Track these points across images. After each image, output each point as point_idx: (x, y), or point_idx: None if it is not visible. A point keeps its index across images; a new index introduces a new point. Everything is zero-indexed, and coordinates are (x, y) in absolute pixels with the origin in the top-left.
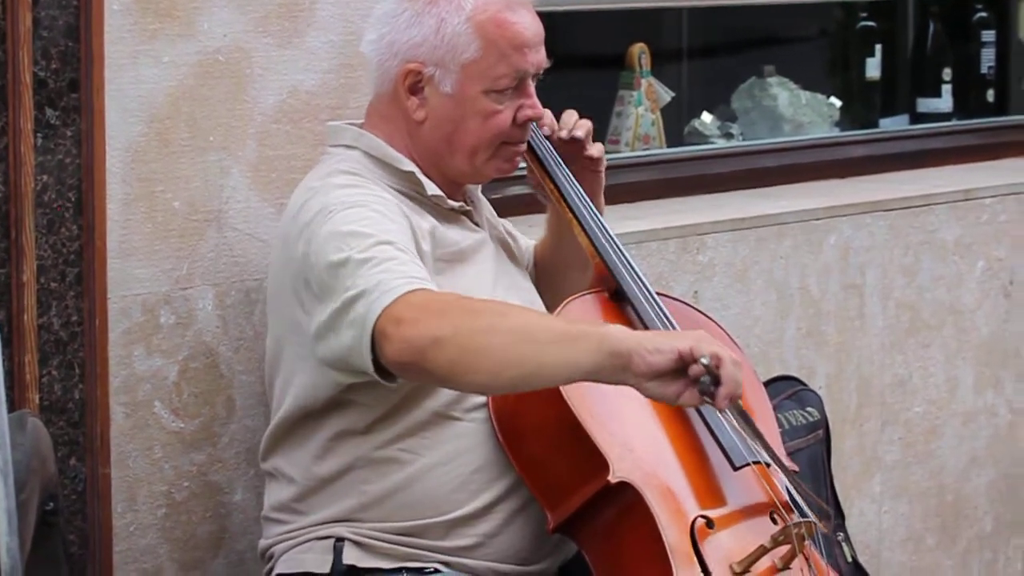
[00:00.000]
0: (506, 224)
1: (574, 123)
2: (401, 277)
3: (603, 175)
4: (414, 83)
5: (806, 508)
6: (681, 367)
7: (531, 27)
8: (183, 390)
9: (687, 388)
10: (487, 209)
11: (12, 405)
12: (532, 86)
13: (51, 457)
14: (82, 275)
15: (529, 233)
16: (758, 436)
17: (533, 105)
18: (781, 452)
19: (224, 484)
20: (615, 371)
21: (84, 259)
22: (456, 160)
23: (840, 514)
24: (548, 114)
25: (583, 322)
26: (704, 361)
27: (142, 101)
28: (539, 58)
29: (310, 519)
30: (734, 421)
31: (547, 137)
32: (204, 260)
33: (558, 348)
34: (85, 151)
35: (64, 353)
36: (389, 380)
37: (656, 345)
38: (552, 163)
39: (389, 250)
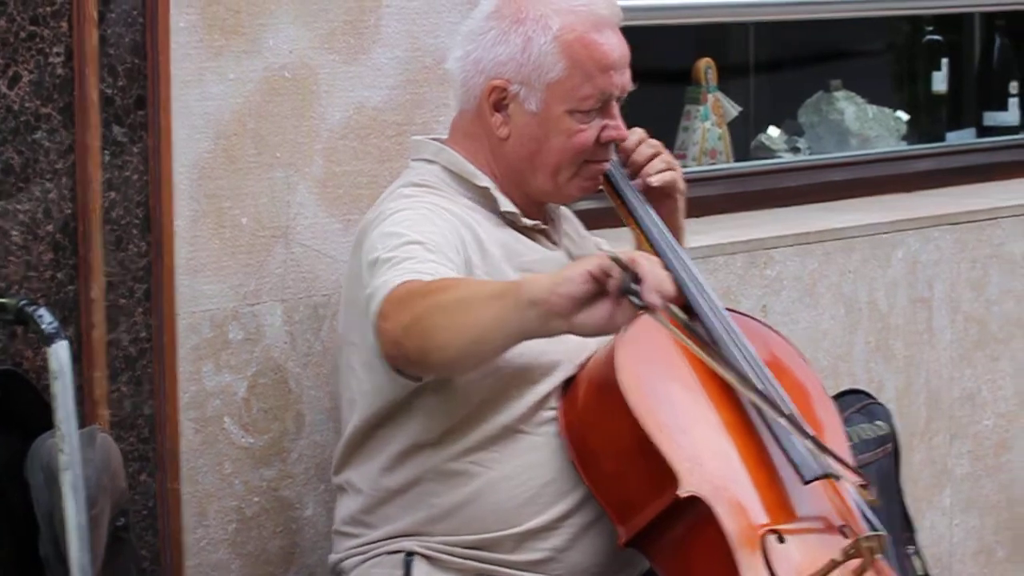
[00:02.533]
0: (599, 242)
1: (656, 170)
2: (401, 274)
3: (678, 199)
4: (499, 100)
5: (877, 523)
6: (598, 288)
7: (617, 49)
8: (252, 406)
9: (615, 306)
10: (571, 226)
11: (82, 421)
12: (616, 107)
13: (121, 473)
14: (150, 291)
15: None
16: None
17: (617, 126)
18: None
19: (294, 499)
20: (541, 320)
21: (152, 275)
22: (538, 178)
23: (911, 527)
24: (639, 131)
25: (656, 347)
26: (616, 270)
27: (208, 118)
28: (624, 80)
29: (379, 532)
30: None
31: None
32: (272, 276)
33: (489, 310)
34: (152, 168)
35: (133, 369)
36: (411, 378)
37: (565, 276)
38: (619, 181)
39: (414, 249)
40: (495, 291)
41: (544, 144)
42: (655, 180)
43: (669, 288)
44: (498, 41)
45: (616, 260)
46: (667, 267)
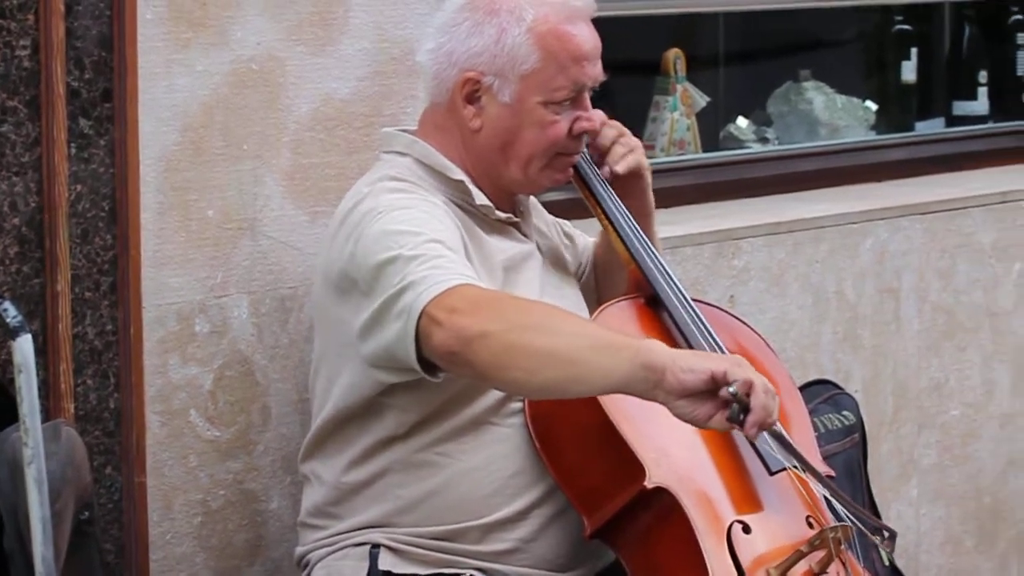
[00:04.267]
0: (563, 224)
1: (620, 156)
2: (452, 273)
3: (645, 176)
4: (472, 92)
5: (842, 512)
6: (712, 388)
7: (590, 40)
8: (218, 398)
9: (717, 411)
10: (538, 218)
11: (47, 415)
12: (588, 98)
13: (86, 466)
14: (116, 284)
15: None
16: (796, 456)
17: (589, 117)
18: (817, 459)
19: (260, 492)
20: (647, 385)
21: (118, 268)
22: (510, 169)
23: (877, 517)
24: (599, 114)
25: (625, 333)
26: (731, 389)
27: (176, 110)
28: (596, 71)
29: (346, 524)
30: (769, 440)
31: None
32: (239, 269)
33: (596, 355)
34: (119, 161)
35: (99, 362)
36: (431, 374)
37: (690, 364)
38: (588, 171)
39: (438, 248)
40: (607, 338)
41: (517, 135)
42: (620, 167)
43: (772, 422)
44: (471, 33)
45: (735, 395)
46: (635, 260)
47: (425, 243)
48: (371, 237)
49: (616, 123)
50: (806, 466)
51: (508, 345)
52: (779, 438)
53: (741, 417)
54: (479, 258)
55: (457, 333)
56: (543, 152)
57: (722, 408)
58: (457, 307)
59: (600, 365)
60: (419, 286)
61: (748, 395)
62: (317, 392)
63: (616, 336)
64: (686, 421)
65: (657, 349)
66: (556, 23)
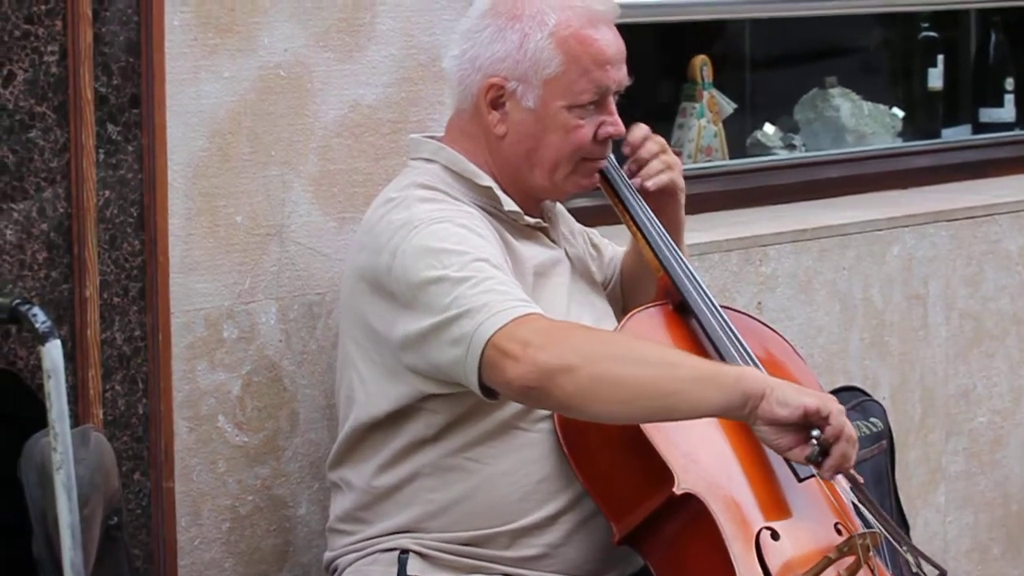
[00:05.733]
0: (591, 234)
1: (654, 172)
2: (510, 298)
3: (679, 196)
4: (496, 98)
5: (871, 519)
6: (802, 423)
7: (613, 44)
8: (246, 404)
9: (797, 445)
10: (565, 225)
11: (76, 420)
12: (613, 103)
13: (115, 472)
14: (145, 290)
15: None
16: (867, 501)
17: (615, 122)
18: None
19: (288, 498)
20: (741, 412)
21: (147, 274)
22: (536, 175)
23: (905, 525)
24: (643, 127)
25: (654, 340)
26: (816, 434)
27: (203, 116)
28: (620, 75)
29: (375, 529)
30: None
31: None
32: (266, 274)
33: (695, 385)
34: (147, 166)
35: (127, 368)
36: (491, 397)
37: (785, 398)
38: (616, 176)
39: (486, 268)
40: (707, 371)
41: (542, 140)
42: (651, 184)
43: (847, 468)
44: (494, 39)
45: (819, 439)
46: (663, 266)
47: (471, 263)
48: (412, 253)
49: (660, 139)
50: (876, 512)
51: (595, 378)
52: (852, 480)
53: (819, 459)
54: (511, 264)
55: (538, 368)
56: (568, 157)
57: (803, 443)
58: (531, 340)
59: (699, 395)
60: (478, 314)
61: (832, 442)
62: (342, 398)
63: (711, 364)
64: (764, 443)
65: (753, 377)
66: (578, 27)
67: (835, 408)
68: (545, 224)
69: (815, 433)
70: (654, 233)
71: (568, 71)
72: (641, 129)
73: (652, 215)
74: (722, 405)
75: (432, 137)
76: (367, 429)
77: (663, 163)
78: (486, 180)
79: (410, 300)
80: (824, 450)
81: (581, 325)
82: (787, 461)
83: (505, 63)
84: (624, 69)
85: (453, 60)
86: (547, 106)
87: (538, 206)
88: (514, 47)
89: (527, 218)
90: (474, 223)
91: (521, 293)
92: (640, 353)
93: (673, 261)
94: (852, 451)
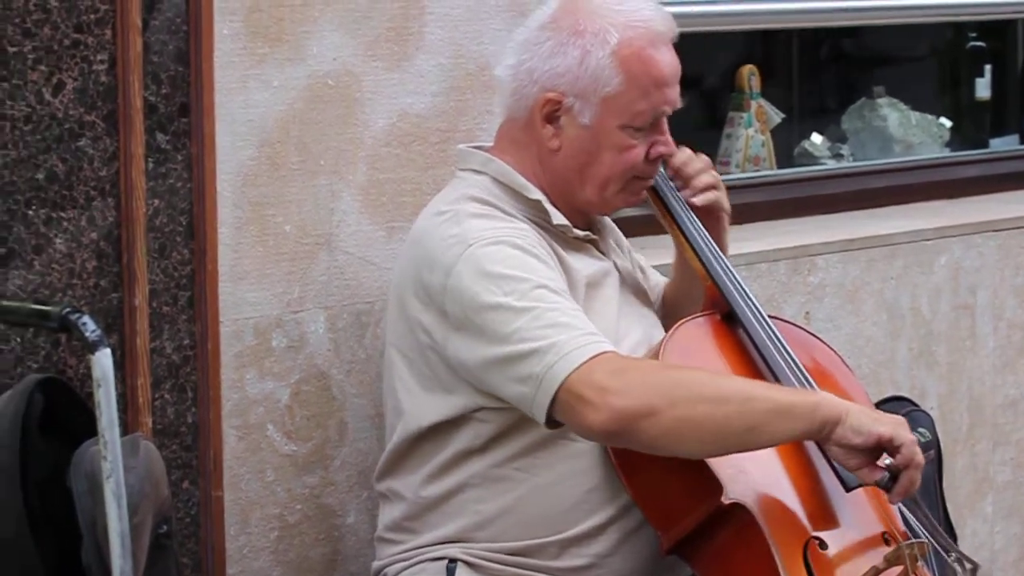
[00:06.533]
0: (639, 259)
1: (702, 186)
2: (578, 334)
3: (723, 218)
4: (552, 112)
5: (919, 528)
6: (875, 448)
7: (671, 64)
8: (295, 413)
9: (867, 467)
10: (614, 236)
11: (125, 429)
12: (665, 123)
13: (164, 480)
14: (194, 299)
15: (647, 253)
16: (927, 522)
17: (667, 142)
18: None
19: (337, 507)
20: (818, 437)
21: (196, 283)
22: (586, 191)
23: (953, 535)
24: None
25: (702, 351)
26: (888, 462)
27: (252, 125)
28: (675, 95)
29: (423, 539)
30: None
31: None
32: (315, 283)
33: (776, 418)
34: (196, 175)
35: (177, 377)
36: (556, 428)
37: (860, 425)
38: (663, 186)
39: (546, 295)
40: (786, 403)
41: (595, 158)
42: (699, 200)
43: (913, 492)
44: (554, 52)
45: (889, 467)
46: (710, 276)
47: (532, 290)
48: (469, 275)
49: (705, 157)
50: (935, 532)
51: (677, 420)
52: (916, 503)
53: (890, 485)
54: (565, 278)
55: (618, 415)
56: (620, 175)
57: (872, 465)
58: (607, 386)
59: (778, 427)
60: (546, 355)
61: (902, 469)
62: (389, 408)
63: (786, 393)
64: (836, 461)
65: (829, 404)
66: (640, 47)
67: (908, 438)
68: (595, 236)
69: (887, 462)
70: (701, 243)
71: (627, 90)
72: (685, 152)
73: (699, 224)
74: (800, 434)
75: (480, 147)
76: (415, 440)
77: (712, 177)
78: (535, 194)
79: (464, 322)
80: (894, 476)
81: (653, 362)
82: (835, 470)
83: (564, 78)
84: (678, 89)
85: (508, 69)
86: (603, 124)
87: (585, 219)
88: (575, 63)
89: (576, 231)
90: (528, 242)
91: (587, 324)
92: (717, 390)
93: (721, 271)
94: (919, 476)
